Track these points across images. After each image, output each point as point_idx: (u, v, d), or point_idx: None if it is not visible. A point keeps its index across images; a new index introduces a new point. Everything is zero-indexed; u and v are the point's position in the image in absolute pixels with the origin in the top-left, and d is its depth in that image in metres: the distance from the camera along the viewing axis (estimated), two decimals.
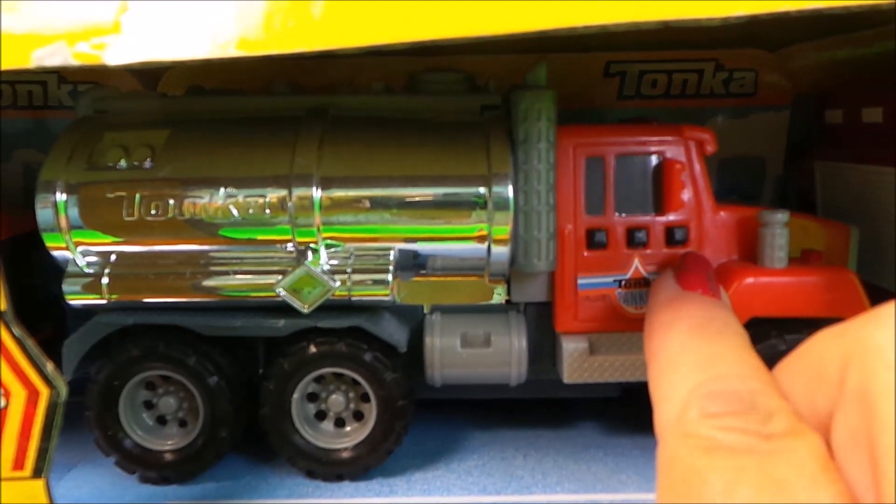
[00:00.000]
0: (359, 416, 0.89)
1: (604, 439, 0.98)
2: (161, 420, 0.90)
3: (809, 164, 1.12)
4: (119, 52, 0.50)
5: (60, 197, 0.82)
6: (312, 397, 0.89)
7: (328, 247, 0.83)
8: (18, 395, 0.63)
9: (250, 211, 0.82)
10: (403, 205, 0.82)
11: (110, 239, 0.83)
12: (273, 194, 0.81)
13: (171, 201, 0.82)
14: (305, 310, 0.82)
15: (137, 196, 0.82)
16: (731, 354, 0.51)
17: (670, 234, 0.86)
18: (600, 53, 1.14)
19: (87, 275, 0.84)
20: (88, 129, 0.87)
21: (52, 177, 0.83)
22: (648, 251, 0.87)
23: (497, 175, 0.81)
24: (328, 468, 0.88)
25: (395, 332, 0.86)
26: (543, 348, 0.93)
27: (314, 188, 0.81)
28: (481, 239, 0.82)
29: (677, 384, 0.49)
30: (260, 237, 0.83)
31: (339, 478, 0.88)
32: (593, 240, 0.86)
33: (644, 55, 1.14)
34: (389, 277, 0.82)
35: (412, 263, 0.86)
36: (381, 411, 0.86)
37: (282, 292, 0.82)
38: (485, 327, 0.90)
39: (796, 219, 0.87)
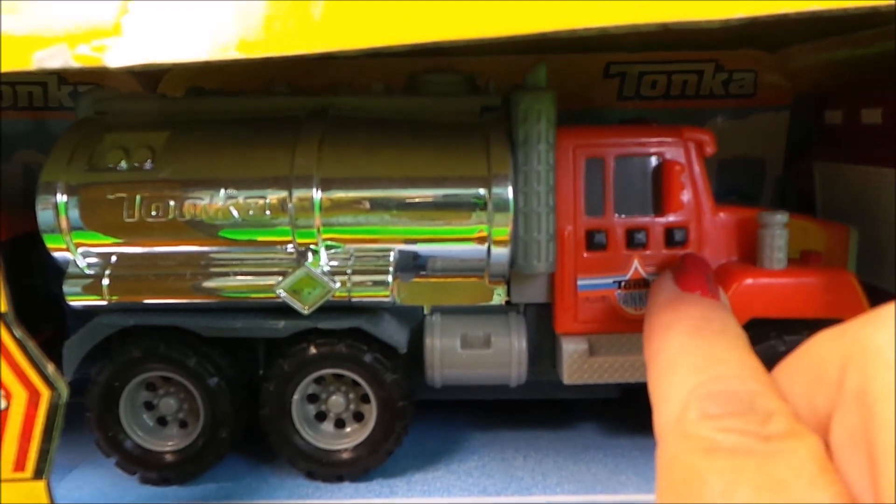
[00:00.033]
0: (359, 416, 0.89)
1: (603, 440, 0.98)
2: (161, 421, 0.90)
3: (809, 164, 1.12)
4: (120, 54, 0.50)
5: (61, 198, 0.82)
6: (312, 398, 0.89)
7: (328, 248, 0.83)
8: (19, 396, 0.63)
9: (250, 212, 0.82)
10: (403, 206, 0.82)
11: (111, 240, 0.83)
12: (273, 195, 0.82)
13: (172, 202, 0.82)
14: (305, 311, 0.82)
15: (138, 197, 0.82)
16: (731, 355, 0.51)
17: (670, 235, 0.86)
18: (600, 54, 1.14)
19: (88, 276, 0.84)
20: (89, 131, 0.87)
21: (52, 178, 0.83)
22: (648, 252, 0.87)
23: (497, 176, 0.81)
24: (328, 469, 0.88)
25: (395, 334, 0.86)
26: (543, 349, 0.93)
27: (314, 189, 0.81)
28: (481, 240, 0.83)
29: (677, 385, 0.49)
30: (260, 238, 0.83)
31: (340, 479, 0.88)
32: (593, 241, 0.86)
33: (644, 56, 1.14)
34: (389, 278, 0.83)
35: (412, 264, 0.86)
36: (382, 412, 0.86)
37: (282, 293, 0.82)
38: (485, 328, 0.90)
39: (796, 220, 0.87)
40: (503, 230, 0.82)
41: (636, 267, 0.87)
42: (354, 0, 0.48)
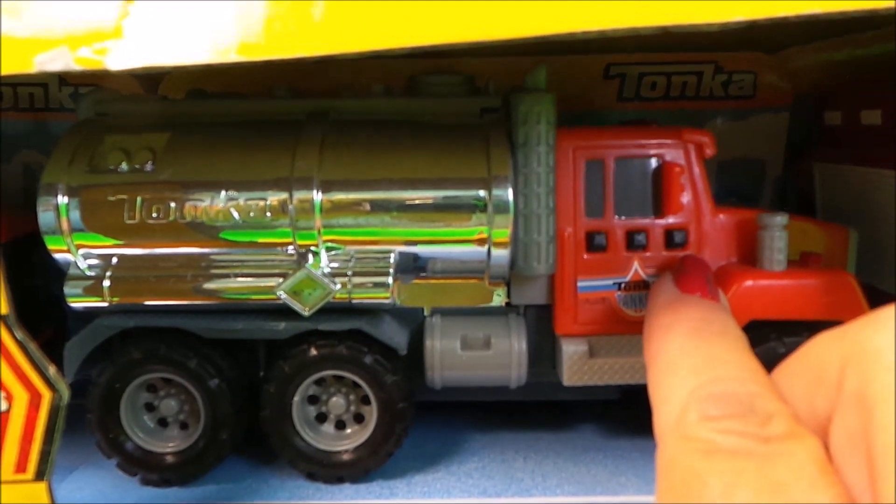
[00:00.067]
0: (359, 418, 0.89)
1: (603, 442, 0.98)
2: (162, 422, 0.90)
3: (809, 165, 1.12)
4: (121, 57, 0.50)
5: (62, 200, 0.82)
6: (313, 400, 0.89)
7: (329, 249, 0.83)
8: (21, 398, 0.63)
9: (251, 214, 0.82)
10: (404, 208, 0.82)
11: (112, 242, 0.84)
12: (274, 197, 0.82)
13: (173, 204, 0.82)
14: (306, 312, 0.82)
15: (139, 199, 0.82)
16: (730, 357, 0.51)
17: (670, 236, 0.86)
18: (600, 56, 1.15)
19: (89, 277, 0.85)
20: (90, 132, 0.87)
21: (53, 180, 0.83)
22: (648, 254, 0.87)
23: (497, 178, 0.81)
24: (329, 470, 0.88)
25: (395, 335, 0.87)
26: (543, 351, 0.93)
27: (315, 191, 0.81)
28: (481, 242, 0.83)
29: (676, 387, 0.49)
30: (261, 240, 0.83)
31: (340, 480, 0.88)
32: (593, 243, 0.87)
33: (644, 57, 1.14)
34: (390, 280, 0.83)
35: (412, 266, 0.86)
36: (382, 413, 0.86)
37: (282, 295, 0.82)
38: (485, 330, 0.90)
39: (795, 221, 0.87)
40: (503, 232, 0.82)
41: (636, 268, 0.87)
42: (355, 1, 0.48)
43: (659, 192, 0.87)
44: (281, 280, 0.82)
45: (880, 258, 0.94)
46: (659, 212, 0.87)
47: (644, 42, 1.03)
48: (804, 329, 0.81)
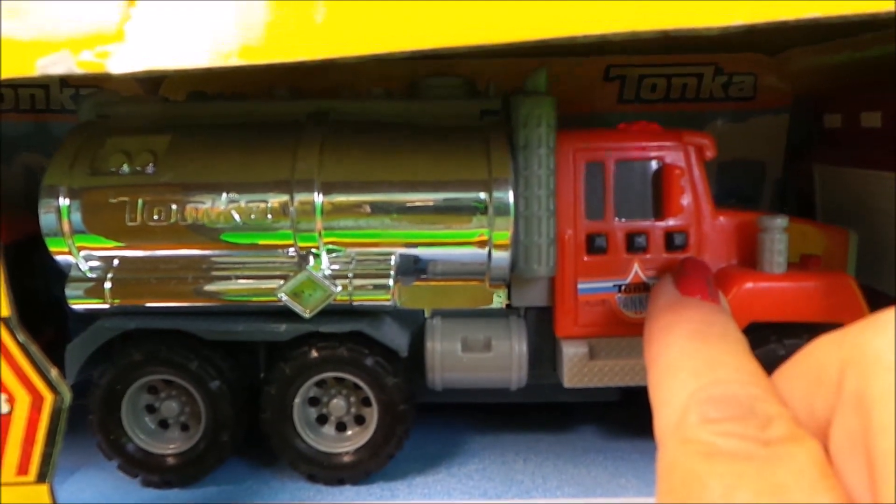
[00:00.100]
0: (360, 420, 0.89)
1: (603, 443, 0.98)
2: (163, 424, 0.90)
3: (809, 166, 1.12)
4: (123, 61, 0.50)
5: (63, 202, 0.83)
6: (314, 401, 0.89)
7: (329, 251, 0.83)
8: (23, 400, 0.63)
9: (252, 216, 0.82)
10: (404, 210, 0.82)
11: (113, 244, 0.84)
12: (275, 199, 0.82)
13: (174, 206, 0.82)
14: (307, 314, 0.82)
15: (140, 201, 0.82)
16: (731, 359, 0.51)
17: (670, 239, 0.87)
18: (600, 58, 1.15)
19: (90, 279, 0.85)
20: (91, 135, 0.87)
21: (55, 182, 0.83)
22: (648, 256, 0.87)
23: (497, 180, 0.81)
24: (329, 472, 0.88)
25: (396, 337, 0.87)
26: (544, 353, 0.93)
27: (315, 193, 0.82)
28: (482, 244, 0.83)
29: (677, 389, 0.49)
30: (262, 242, 0.83)
31: (341, 482, 0.89)
32: (593, 245, 0.87)
33: (644, 59, 1.14)
34: (390, 282, 0.83)
35: (413, 268, 0.86)
36: (383, 415, 0.86)
37: (283, 297, 0.82)
38: (485, 332, 0.90)
39: (795, 223, 0.87)
40: (504, 234, 0.82)
41: (636, 271, 0.87)
42: (356, 3, 0.48)
43: (659, 194, 0.87)
44: (282, 282, 0.82)
45: (880, 260, 0.94)
46: (659, 214, 0.87)
47: (644, 44, 1.03)
48: (804, 331, 0.81)
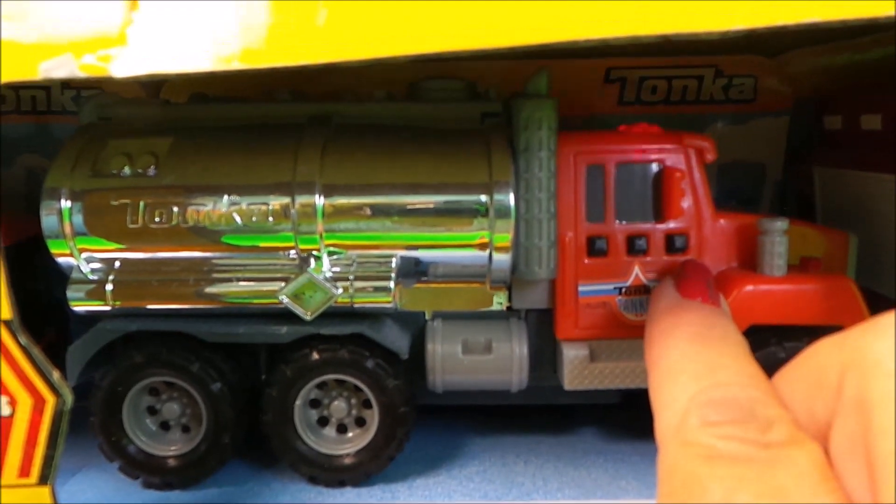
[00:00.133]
0: (361, 422, 0.90)
1: (604, 445, 0.99)
2: (164, 426, 0.90)
3: (809, 169, 1.13)
4: (125, 65, 0.50)
5: (65, 204, 0.83)
6: (315, 403, 0.89)
7: (331, 254, 0.83)
8: (24, 403, 0.63)
9: (253, 218, 0.82)
10: (405, 212, 0.82)
11: (114, 246, 0.84)
12: (276, 202, 0.82)
13: (175, 209, 0.82)
14: (308, 317, 0.82)
15: (141, 203, 0.83)
16: (731, 362, 0.51)
17: (670, 241, 0.87)
18: (601, 60, 1.15)
19: (92, 281, 0.85)
20: (93, 137, 0.87)
21: (56, 184, 0.83)
22: (649, 259, 0.87)
23: (498, 183, 0.81)
24: (330, 474, 0.88)
25: (396, 339, 0.87)
26: (544, 355, 0.93)
27: (317, 196, 0.82)
28: (483, 246, 0.83)
29: (677, 392, 0.49)
30: (263, 244, 0.83)
31: (342, 484, 0.89)
32: (594, 247, 0.87)
33: (644, 61, 1.14)
34: (391, 284, 0.83)
35: (414, 270, 0.86)
36: (383, 417, 0.87)
37: (284, 299, 0.82)
38: (486, 334, 0.90)
39: (795, 226, 0.87)
40: (504, 236, 0.82)
41: (637, 273, 0.87)
42: (358, 7, 0.49)
43: (660, 196, 0.87)
44: (283, 284, 0.82)
45: (880, 263, 0.94)
46: (660, 217, 0.87)
47: (645, 46, 1.04)
48: (804, 334, 0.82)
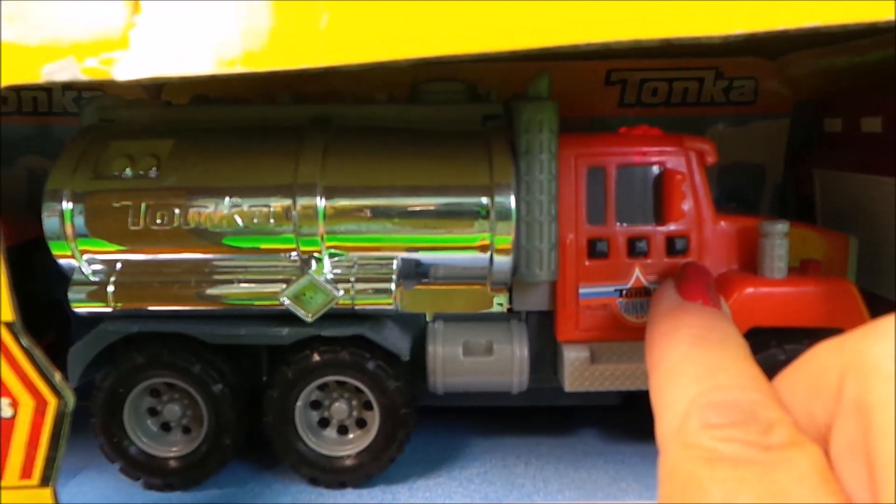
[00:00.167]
0: (362, 423, 0.90)
1: (604, 447, 0.99)
2: (165, 427, 0.90)
3: (809, 170, 1.13)
4: (128, 68, 0.50)
5: (67, 206, 0.83)
6: (315, 405, 0.89)
7: (332, 256, 0.84)
8: (26, 404, 0.64)
9: (255, 220, 0.82)
10: (406, 214, 0.82)
11: (116, 247, 0.84)
12: (277, 203, 0.82)
13: (177, 210, 0.82)
14: (309, 318, 0.82)
15: (143, 205, 0.83)
16: (732, 365, 0.51)
17: (671, 243, 0.87)
18: (601, 62, 1.15)
19: (93, 283, 0.85)
20: (94, 138, 0.87)
21: (58, 186, 0.83)
22: (649, 261, 0.87)
23: (499, 185, 0.82)
24: (331, 475, 0.88)
25: (397, 341, 0.87)
26: (545, 357, 0.93)
27: (318, 198, 0.82)
28: (483, 248, 0.83)
29: (678, 394, 0.49)
30: (264, 246, 0.83)
31: (342, 485, 0.89)
32: (594, 249, 0.87)
33: (645, 63, 1.14)
34: (392, 286, 0.83)
35: (415, 272, 0.87)
36: (384, 419, 0.87)
37: (286, 301, 0.82)
38: (487, 336, 0.90)
39: (796, 228, 0.87)
40: (505, 239, 0.82)
41: (637, 275, 0.87)
42: (360, 10, 0.49)
43: (660, 199, 0.87)
44: (284, 286, 0.83)
45: (880, 265, 0.94)
46: (660, 219, 0.87)
47: (646, 49, 1.04)
48: (805, 336, 0.82)
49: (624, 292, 0.88)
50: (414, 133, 0.88)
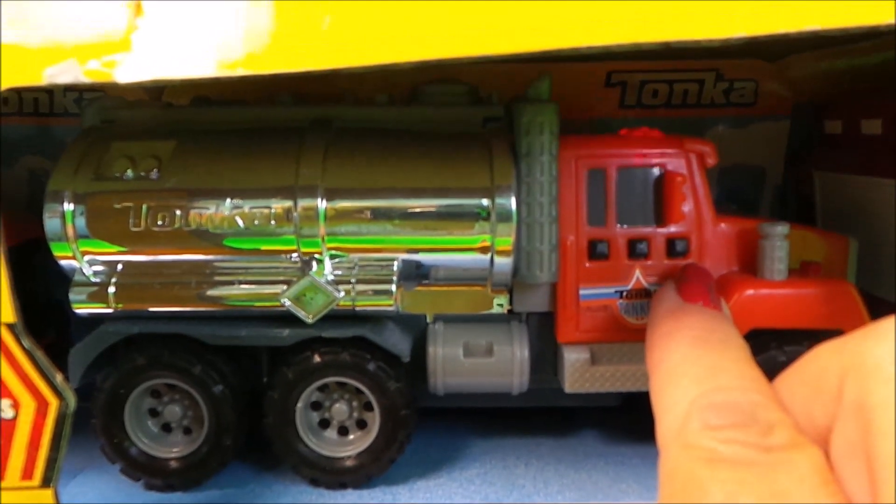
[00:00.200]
0: (362, 424, 0.90)
1: (604, 448, 0.99)
2: (166, 428, 0.90)
3: (809, 172, 1.13)
4: (129, 70, 0.50)
5: (68, 207, 0.83)
6: (316, 406, 0.90)
7: (332, 257, 0.84)
8: (28, 405, 0.64)
9: (256, 221, 0.82)
10: (407, 216, 0.82)
11: (117, 249, 0.84)
12: (278, 205, 0.82)
13: (178, 212, 0.83)
14: (310, 320, 0.82)
15: (144, 206, 0.83)
16: (732, 366, 0.51)
17: (671, 245, 0.87)
18: (602, 63, 1.15)
19: (94, 284, 0.85)
20: (95, 140, 0.88)
21: (59, 187, 0.84)
22: (650, 262, 0.87)
23: (500, 187, 0.82)
24: (332, 476, 0.88)
25: (398, 342, 0.87)
26: (545, 358, 0.93)
27: (319, 199, 0.82)
28: (484, 250, 0.83)
29: (679, 395, 0.49)
30: (265, 247, 0.84)
31: (343, 486, 0.89)
32: (595, 251, 0.87)
33: (645, 65, 1.14)
34: (393, 287, 0.83)
35: (415, 274, 0.87)
36: (385, 420, 0.87)
37: (286, 302, 0.82)
38: (487, 337, 0.90)
39: (796, 230, 0.87)
40: (506, 240, 0.82)
41: (638, 277, 0.87)
42: (362, 13, 0.49)
43: (660, 200, 0.87)
44: (285, 287, 0.83)
45: (880, 267, 0.94)
46: (661, 220, 0.88)
47: (646, 51, 1.04)
48: (805, 338, 0.82)
49: (624, 294, 0.88)
50: (415, 135, 0.88)
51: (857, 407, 0.36)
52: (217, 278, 0.85)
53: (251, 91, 1.01)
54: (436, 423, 1.03)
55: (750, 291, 0.83)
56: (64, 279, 0.86)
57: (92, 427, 0.87)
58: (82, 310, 0.85)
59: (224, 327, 0.86)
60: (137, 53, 0.51)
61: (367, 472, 0.88)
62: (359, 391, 0.88)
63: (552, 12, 0.46)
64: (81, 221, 0.83)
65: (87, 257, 0.85)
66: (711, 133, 1.18)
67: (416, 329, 0.92)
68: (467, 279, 0.88)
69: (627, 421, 1.03)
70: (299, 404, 0.87)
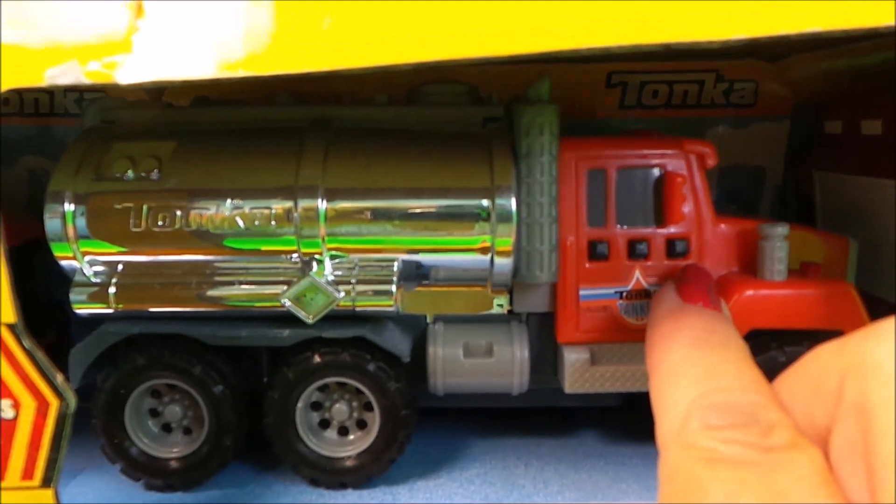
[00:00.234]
0: (362, 424, 0.90)
1: (604, 448, 0.99)
2: (166, 428, 0.90)
3: (809, 172, 1.13)
4: (130, 71, 0.51)
5: (69, 207, 0.83)
6: (316, 406, 0.90)
7: (333, 257, 0.84)
8: (28, 406, 0.64)
9: (256, 222, 0.82)
10: (407, 216, 0.82)
11: (117, 249, 0.84)
12: (278, 205, 0.82)
13: (178, 212, 0.83)
14: (310, 320, 0.83)
15: (145, 207, 0.83)
16: (732, 367, 0.51)
17: (671, 246, 0.87)
18: (602, 64, 1.15)
19: (94, 284, 0.85)
20: (96, 140, 0.88)
21: (60, 187, 0.84)
22: (649, 263, 0.87)
23: (500, 187, 0.82)
24: (332, 476, 0.88)
25: (398, 342, 0.87)
26: (545, 358, 0.93)
27: (319, 199, 0.82)
28: (484, 250, 0.83)
29: (679, 396, 0.49)
30: (265, 248, 0.84)
31: (343, 486, 0.89)
32: (595, 251, 0.87)
33: (645, 66, 1.14)
34: (393, 288, 0.83)
35: (415, 274, 0.87)
36: (385, 420, 0.87)
37: (287, 303, 0.82)
38: (487, 337, 0.91)
39: (796, 230, 0.87)
40: (506, 240, 0.82)
41: (638, 277, 0.87)
42: (362, 15, 0.49)
43: (660, 201, 0.87)
44: (285, 288, 0.83)
45: (880, 267, 0.94)
46: (660, 221, 0.88)
47: (646, 52, 1.04)
48: (805, 338, 0.82)
49: (624, 294, 0.88)
50: (415, 135, 0.88)
51: (857, 407, 0.36)
52: (217, 279, 0.85)
53: (251, 91, 1.01)
54: (436, 423, 1.04)
55: (750, 292, 0.83)
56: (64, 279, 0.86)
57: (92, 427, 0.87)
58: (83, 310, 0.85)
59: (224, 327, 0.86)
60: (138, 54, 0.51)
61: (367, 472, 0.88)
62: (359, 391, 0.88)
63: (552, 13, 0.46)
64: (82, 222, 0.83)
65: (87, 257, 0.85)
66: (711, 133, 1.18)
67: (416, 329, 0.92)
68: (467, 280, 0.88)
69: (627, 421, 1.03)
70: (299, 404, 0.87)
